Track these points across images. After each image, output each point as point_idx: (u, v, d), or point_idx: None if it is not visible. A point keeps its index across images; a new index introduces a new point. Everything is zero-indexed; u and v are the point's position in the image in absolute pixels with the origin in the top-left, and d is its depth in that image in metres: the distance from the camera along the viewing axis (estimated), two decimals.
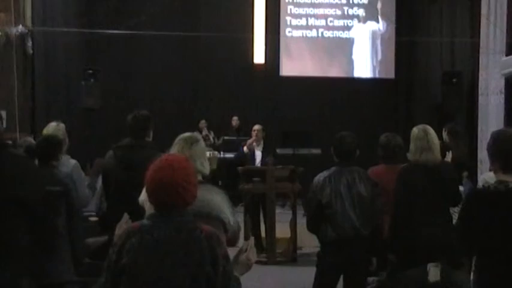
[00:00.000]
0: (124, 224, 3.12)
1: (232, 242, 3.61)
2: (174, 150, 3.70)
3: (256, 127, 9.57)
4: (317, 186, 4.94)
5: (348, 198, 4.84)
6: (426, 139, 4.91)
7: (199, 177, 3.58)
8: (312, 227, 5.09)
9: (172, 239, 2.62)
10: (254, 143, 9.45)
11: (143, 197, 3.43)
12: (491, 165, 3.39)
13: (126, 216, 3.27)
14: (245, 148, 9.43)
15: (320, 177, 4.98)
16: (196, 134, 3.92)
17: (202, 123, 12.95)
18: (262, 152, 9.39)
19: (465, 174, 7.38)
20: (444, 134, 7.84)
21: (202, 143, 3.81)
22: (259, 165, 9.19)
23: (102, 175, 5.40)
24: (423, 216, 4.68)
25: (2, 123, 4.16)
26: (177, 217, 2.68)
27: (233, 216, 3.61)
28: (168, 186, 2.67)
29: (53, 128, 5.53)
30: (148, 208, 3.22)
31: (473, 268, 3.66)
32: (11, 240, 3.72)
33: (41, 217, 3.93)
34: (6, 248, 3.70)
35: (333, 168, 5.00)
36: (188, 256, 2.60)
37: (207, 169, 3.73)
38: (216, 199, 3.56)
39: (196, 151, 3.68)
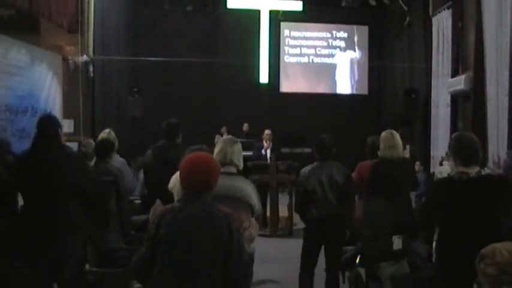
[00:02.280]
0: (158, 206, 3.10)
1: (258, 221, 3.58)
2: (218, 146, 3.64)
3: (267, 132, 9.59)
4: (303, 176, 4.89)
5: (328, 186, 4.77)
6: (392, 139, 4.89)
7: (235, 170, 3.55)
8: (299, 208, 5.05)
9: (199, 215, 2.61)
10: (264, 144, 9.48)
11: (171, 184, 3.42)
12: (453, 161, 3.33)
13: (158, 201, 3.26)
14: (263, 151, 9.46)
15: (305, 170, 4.93)
16: (235, 137, 3.83)
17: (224, 128, 12.90)
18: (271, 150, 9.42)
19: (421, 167, 7.36)
20: None
21: (239, 144, 3.70)
22: (269, 160, 9.18)
23: (143, 169, 5.39)
24: (389, 199, 4.64)
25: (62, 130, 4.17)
26: (202, 200, 2.66)
27: (259, 202, 3.56)
28: (199, 173, 2.67)
29: (106, 133, 5.54)
30: (177, 191, 3.20)
31: (435, 238, 3.62)
32: (70, 217, 3.75)
33: (92, 200, 3.95)
34: (68, 223, 3.73)
35: (316, 163, 4.94)
36: (211, 228, 2.59)
37: (241, 164, 3.65)
38: (248, 188, 3.51)
39: (235, 149, 3.62)
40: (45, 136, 3.89)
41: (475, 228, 3.11)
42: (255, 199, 3.51)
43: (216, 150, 3.62)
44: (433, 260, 3.62)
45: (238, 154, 3.64)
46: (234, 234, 2.61)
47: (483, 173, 3.25)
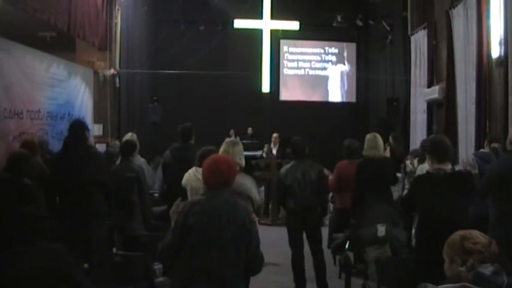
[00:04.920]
0: (179, 203, 3.09)
1: (258, 213, 3.57)
2: (222, 148, 3.65)
3: (275, 135, 9.68)
4: (282, 174, 4.93)
5: (302, 182, 4.80)
6: (375, 141, 4.88)
7: (237, 168, 3.57)
8: (281, 201, 5.14)
9: (224, 206, 2.60)
10: (272, 146, 9.57)
11: (184, 181, 3.41)
12: (430, 159, 3.39)
13: (178, 200, 3.25)
14: (263, 152, 9.56)
15: (284, 169, 4.98)
16: (237, 139, 3.85)
17: (231, 131, 12.87)
18: (277, 150, 9.48)
19: (402, 165, 7.34)
20: (390, 139, 7.90)
21: (241, 145, 3.73)
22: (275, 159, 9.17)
23: (162, 167, 5.41)
24: (373, 193, 4.63)
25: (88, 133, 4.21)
26: (224, 194, 2.66)
27: (259, 195, 3.57)
28: (221, 172, 2.67)
29: (130, 136, 5.56)
30: (190, 188, 3.19)
31: (414, 225, 3.66)
32: (94, 206, 3.77)
33: (112, 193, 3.97)
34: (91, 211, 3.75)
35: (292, 162, 4.98)
36: (235, 217, 2.59)
37: (243, 163, 3.68)
38: (247, 183, 3.52)
39: (237, 150, 3.63)
40: (74, 138, 3.90)
41: (450, 214, 3.17)
42: (254, 192, 3.52)
43: (221, 150, 3.63)
44: (413, 244, 3.64)
45: (240, 154, 3.66)
46: (252, 222, 2.63)
47: (456, 169, 3.38)
